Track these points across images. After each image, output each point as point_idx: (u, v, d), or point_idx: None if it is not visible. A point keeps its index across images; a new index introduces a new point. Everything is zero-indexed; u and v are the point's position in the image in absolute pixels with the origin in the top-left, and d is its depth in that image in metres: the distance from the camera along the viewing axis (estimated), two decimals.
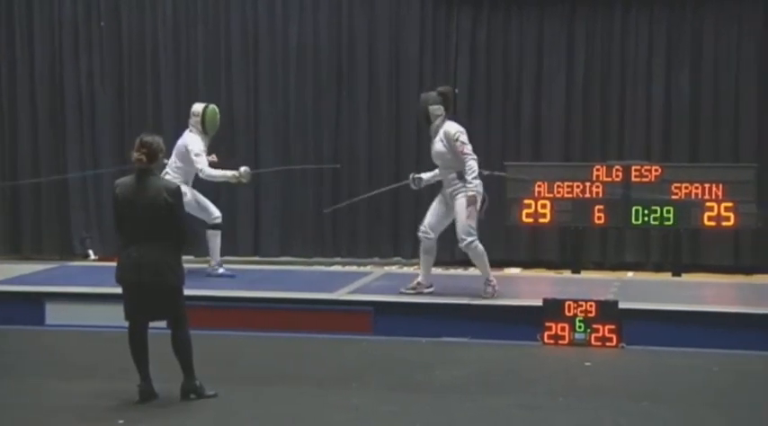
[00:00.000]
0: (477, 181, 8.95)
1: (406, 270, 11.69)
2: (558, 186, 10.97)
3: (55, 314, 9.38)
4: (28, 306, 9.44)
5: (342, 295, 9.53)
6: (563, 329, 8.67)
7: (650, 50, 11.82)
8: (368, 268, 11.60)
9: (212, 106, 10.07)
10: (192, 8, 12.49)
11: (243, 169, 10.02)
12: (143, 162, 6.87)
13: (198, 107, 10.04)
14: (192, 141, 9.89)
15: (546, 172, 11.09)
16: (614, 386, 7.51)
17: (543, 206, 11.00)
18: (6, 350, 8.53)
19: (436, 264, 11.84)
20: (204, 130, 9.95)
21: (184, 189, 9.90)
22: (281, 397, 7.14)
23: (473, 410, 6.86)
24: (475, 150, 12.20)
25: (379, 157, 12.24)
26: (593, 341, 8.63)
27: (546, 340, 8.68)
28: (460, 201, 8.97)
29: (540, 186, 11.01)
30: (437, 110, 9.02)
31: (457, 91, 12.05)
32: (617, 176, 10.89)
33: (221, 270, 10.18)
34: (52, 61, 12.55)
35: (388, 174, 12.19)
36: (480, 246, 9.05)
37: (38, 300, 9.46)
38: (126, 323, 7.05)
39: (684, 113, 11.75)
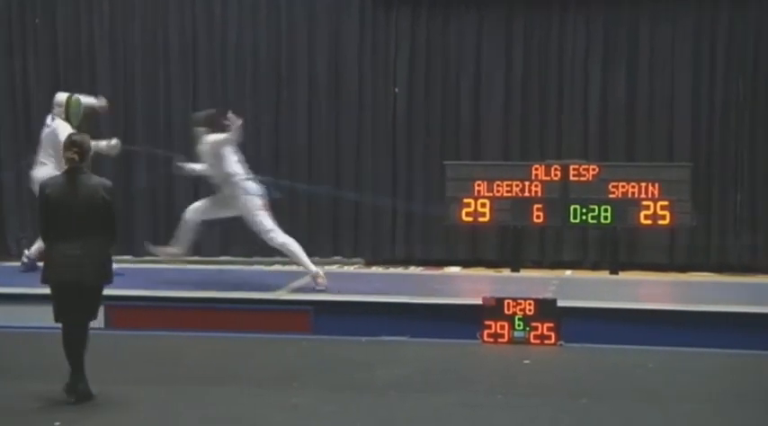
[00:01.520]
0: None
1: (346, 269, 11.71)
2: (498, 185, 11.04)
3: (2, 315, 9.23)
4: None
5: (281, 294, 9.51)
6: (502, 327, 8.73)
7: (587, 51, 11.94)
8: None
9: (76, 96, 10.38)
10: (129, 6, 12.36)
11: (114, 141, 10.42)
12: (75, 161, 6.86)
13: (61, 97, 10.33)
14: (64, 129, 9.90)
15: (485, 171, 11.16)
16: (553, 383, 7.58)
17: (483, 205, 11.07)
18: None
19: (377, 263, 11.96)
20: (68, 120, 10.17)
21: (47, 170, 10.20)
22: (222, 397, 7.09)
23: (413, 409, 6.88)
24: (414, 150, 12.40)
25: (319, 157, 12.22)
26: (532, 340, 8.70)
27: (485, 338, 8.73)
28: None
29: (479, 185, 11.07)
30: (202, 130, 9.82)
31: (397, 90, 12.11)
32: (555, 175, 10.99)
33: None
34: None
35: (327, 174, 12.18)
36: None
37: None
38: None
39: (620, 113, 11.89)
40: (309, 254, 12.18)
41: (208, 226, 12.14)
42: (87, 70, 12.33)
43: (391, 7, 12.16)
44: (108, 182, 7.02)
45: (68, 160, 6.88)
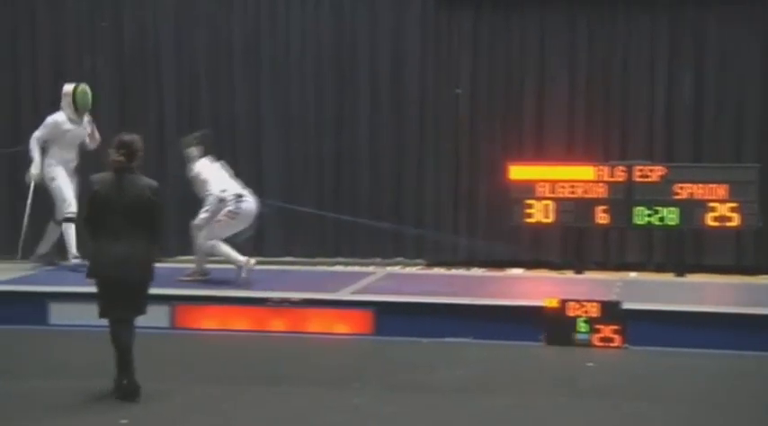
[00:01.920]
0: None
1: (408, 270, 11.70)
2: (561, 186, 10.96)
3: (58, 313, 9.38)
4: (31, 306, 9.45)
5: (344, 295, 9.54)
6: (565, 329, 8.66)
7: (653, 50, 11.79)
8: (370, 268, 11.59)
9: (83, 86, 10.94)
10: (193, 7, 12.48)
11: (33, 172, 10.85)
12: (122, 162, 6.93)
13: (68, 87, 10.87)
14: (62, 119, 10.79)
15: (549, 172, 11.08)
16: (615, 386, 7.51)
17: (546, 206, 11.00)
18: (10, 350, 8.54)
19: (439, 264, 11.94)
20: (76, 108, 10.80)
21: (54, 172, 10.84)
22: (283, 397, 7.14)
23: (473, 410, 6.85)
24: (477, 152, 12.34)
25: (381, 158, 12.23)
26: (595, 342, 8.62)
27: (548, 340, 8.67)
28: None
29: (542, 186, 11.01)
30: (192, 151, 10.29)
31: (459, 91, 12.07)
32: (620, 176, 10.87)
33: (76, 262, 10.60)
34: (56, 59, 12.51)
35: (390, 174, 12.19)
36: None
37: (41, 300, 9.48)
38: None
39: (687, 113, 11.72)
40: (372, 255, 12.28)
41: (270, 228, 12.29)
42: (152, 72, 12.47)
43: (454, 8, 12.12)
44: (155, 183, 7.10)
45: (115, 161, 6.97)
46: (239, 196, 10.11)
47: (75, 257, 10.69)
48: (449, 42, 12.16)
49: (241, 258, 9.99)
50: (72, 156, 10.99)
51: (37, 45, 12.43)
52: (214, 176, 10.13)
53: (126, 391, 6.94)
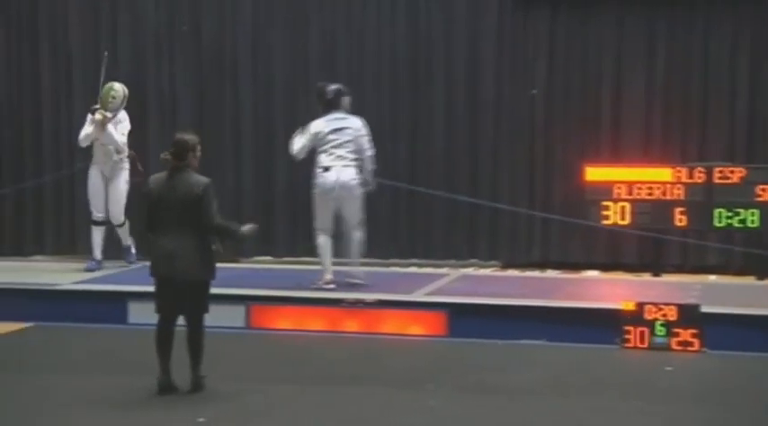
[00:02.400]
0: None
1: (482, 271, 11.66)
2: (638, 188, 10.83)
3: (137, 312, 9.53)
4: (112, 305, 9.63)
5: (418, 296, 9.54)
6: (642, 333, 8.55)
7: (733, 49, 11.59)
8: (444, 269, 11.57)
9: (109, 83, 11.01)
10: (270, 11, 12.59)
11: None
12: (169, 161, 7.07)
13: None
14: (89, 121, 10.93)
15: (626, 173, 10.96)
16: (693, 391, 7.39)
17: (623, 208, 10.88)
18: (90, 348, 8.71)
19: (513, 266, 11.87)
20: (103, 107, 10.88)
21: (89, 173, 11.03)
22: (356, 398, 7.16)
23: (548, 413, 6.81)
24: (553, 153, 12.26)
25: (456, 159, 12.21)
26: (673, 346, 8.50)
27: (625, 343, 8.58)
28: None
29: (619, 188, 10.89)
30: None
31: (535, 92, 11.99)
32: (699, 178, 10.71)
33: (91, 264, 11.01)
34: (136, 63, 12.72)
35: (464, 177, 12.16)
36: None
37: (121, 299, 9.65)
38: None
39: None
40: (446, 257, 12.25)
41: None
42: (229, 76, 12.60)
43: (530, 9, 12.05)
44: (205, 180, 7.12)
45: (164, 160, 7.10)
46: (325, 168, 9.87)
47: (94, 260, 11.03)
48: (524, 44, 12.09)
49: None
50: (102, 158, 11.02)
51: (119, 51, 12.60)
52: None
53: (194, 386, 7.08)
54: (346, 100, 10.12)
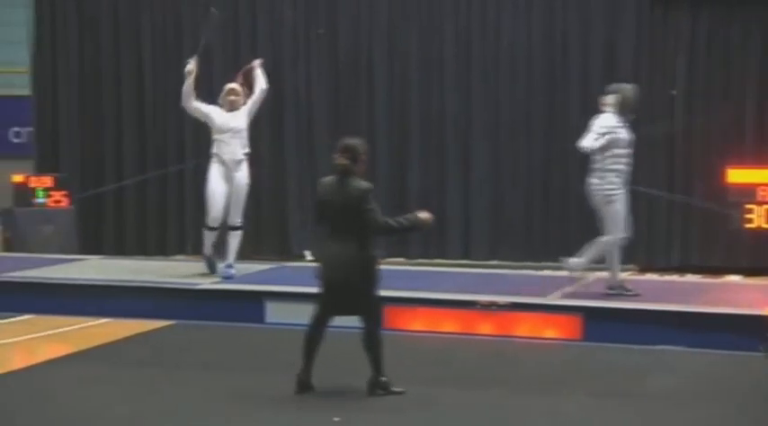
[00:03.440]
0: None
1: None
2: None
3: (274, 312, 9.68)
4: (249, 305, 9.80)
5: (553, 299, 9.43)
6: None
7: None
8: (579, 272, 11.39)
9: (228, 86, 10.22)
10: (406, 13, 12.65)
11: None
12: (344, 165, 7.08)
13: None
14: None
15: None
16: None
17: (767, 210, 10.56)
18: (227, 346, 8.90)
19: (651, 270, 11.63)
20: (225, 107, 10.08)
21: (208, 172, 10.03)
22: (489, 401, 7.12)
23: (686, 419, 6.64)
24: (693, 154, 11.96)
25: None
26: None
27: None
28: None
29: (764, 190, 10.57)
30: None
31: (674, 92, 11.72)
32: None
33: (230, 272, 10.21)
34: (273, 66, 12.93)
35: None
36: None
37: (258, 299, 9.83)
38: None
39: None
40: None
41: (477, 230, 12.28)
42: (365, 77, 12.71)
43: (669, 5, 11.80)
44: (366, 185, 7.14)
45: (337, 164, 7.13)
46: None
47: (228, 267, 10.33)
48: (663, 42, 11.83)
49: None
50: (226, 156, 10.08)
51: (259, 51, 12.84)
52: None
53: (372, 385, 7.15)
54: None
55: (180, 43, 13.08)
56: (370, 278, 7.16)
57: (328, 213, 7.13)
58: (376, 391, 7.14)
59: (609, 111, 9.21)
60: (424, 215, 7.31)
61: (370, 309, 7.23)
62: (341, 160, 7.13)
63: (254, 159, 10.58)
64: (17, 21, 13.62)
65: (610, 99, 9.30)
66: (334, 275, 7.10)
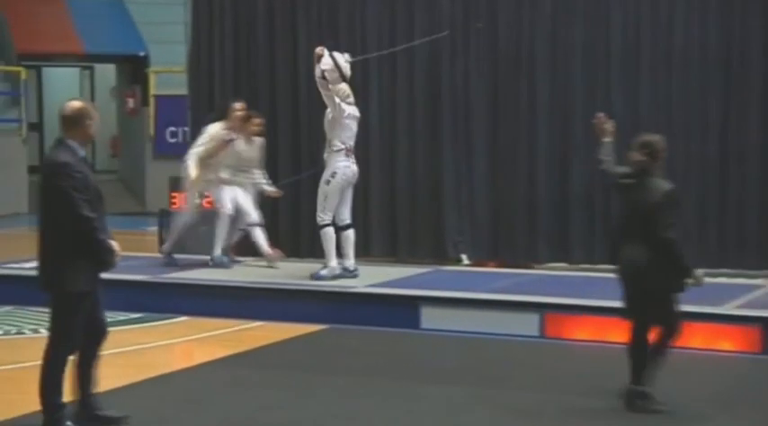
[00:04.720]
0: None
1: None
2: None
3: (430, 318, 9.35)
4: (404, 310, 9.49)
5: (728, 309, 8.81)
6: None
7: None
8: (758, 281, 10.65)
9: None
10: (571, 7, 12.14)
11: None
12: (644, 162, 6.72)
13: None
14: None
15: None
16: None
17: None
18: (383, 353, 8.63)
19: None
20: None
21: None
22: (661, 417, 6.73)
23: None
24: None
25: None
26: None
27: None
28: None
29: None
30: None
31: None
32: None
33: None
34: (430, 60, 12.60)
35: None
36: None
37: (413, 304, 9.50)
38: None
39: None
40: (761, 267, 11.29)
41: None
42: (525, 71, 12.24)
43: None
44: (667, 187, 6.75)
45: (637, 161, 6.79)
46: None
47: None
48: None
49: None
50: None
51: (414, 48, 12.51)
52: None
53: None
54: None
55: (336, 44, 12.89)
56: (658, 284, 6.75)
57: (627, 214, 6.85)
58: (634, 402, 6.76)
59: None
60: (700, 272, 6.85)
61: (659, 315, 6.85)
62: (638, 157, 6.73)
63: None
64: (174, 19, 13.71)
65: None
66: (624, 277, 6.75)
